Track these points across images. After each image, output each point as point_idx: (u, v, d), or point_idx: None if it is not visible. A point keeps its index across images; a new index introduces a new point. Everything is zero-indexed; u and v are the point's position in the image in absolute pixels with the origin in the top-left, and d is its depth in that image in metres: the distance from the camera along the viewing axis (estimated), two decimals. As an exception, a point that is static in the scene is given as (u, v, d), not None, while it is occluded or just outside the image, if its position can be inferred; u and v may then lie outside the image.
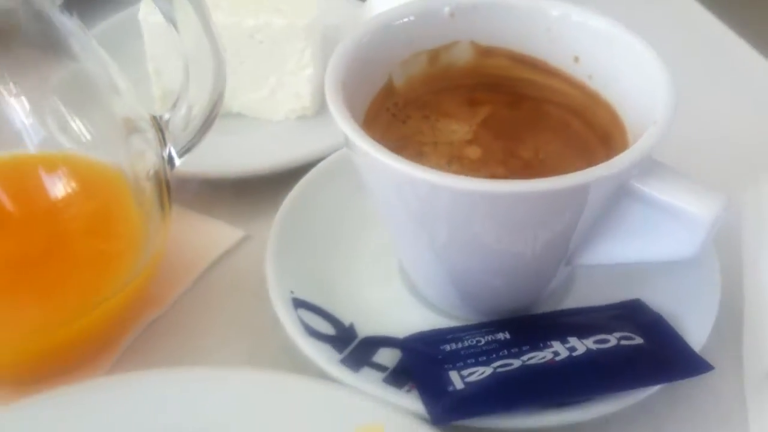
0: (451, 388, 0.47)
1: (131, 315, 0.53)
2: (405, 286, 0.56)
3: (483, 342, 0.51)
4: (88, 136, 0.50)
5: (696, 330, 0.50)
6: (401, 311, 0.54)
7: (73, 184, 0.49)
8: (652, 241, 0.46)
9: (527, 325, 0.52)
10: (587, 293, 0.55)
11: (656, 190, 0.44)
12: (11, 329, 0.47)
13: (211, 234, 0.61)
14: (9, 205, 0.48)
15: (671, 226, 0.44)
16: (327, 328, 0.52)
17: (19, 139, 0.48)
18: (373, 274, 0.57)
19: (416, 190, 0.44)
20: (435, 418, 0.45)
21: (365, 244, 0.58)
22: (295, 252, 0.56)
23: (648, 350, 0.49)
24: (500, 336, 0.51)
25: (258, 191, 0.63)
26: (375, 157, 0.43)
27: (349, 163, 0.49)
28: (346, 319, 0.53)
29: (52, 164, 0.49)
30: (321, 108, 0.70)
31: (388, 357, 0.51)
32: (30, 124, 0.48)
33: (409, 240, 0.51)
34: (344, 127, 0.45)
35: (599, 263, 0.49)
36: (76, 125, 0.50)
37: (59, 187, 0.49)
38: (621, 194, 0.45)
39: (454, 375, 0.48)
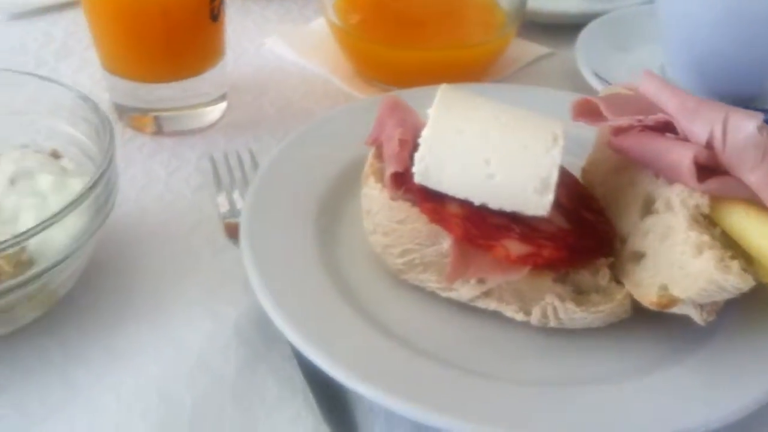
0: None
1: (491, 66, 0.82)
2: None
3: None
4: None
5: None
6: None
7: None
8: None
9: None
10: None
11: None
12: (431, 50, 0.78)
13: (531, 47, 0.90)
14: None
15: None
16: (613, 89, 0.79)
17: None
18: (639, 65, 0.83)
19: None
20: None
21: (637, 54, 0.86)
22: (592, 55, 0.83)
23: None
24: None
25: (555, 33, 0.92)
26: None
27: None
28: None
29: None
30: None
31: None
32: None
33: (679, 34, 0.78)
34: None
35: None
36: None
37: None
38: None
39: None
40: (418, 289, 0.56)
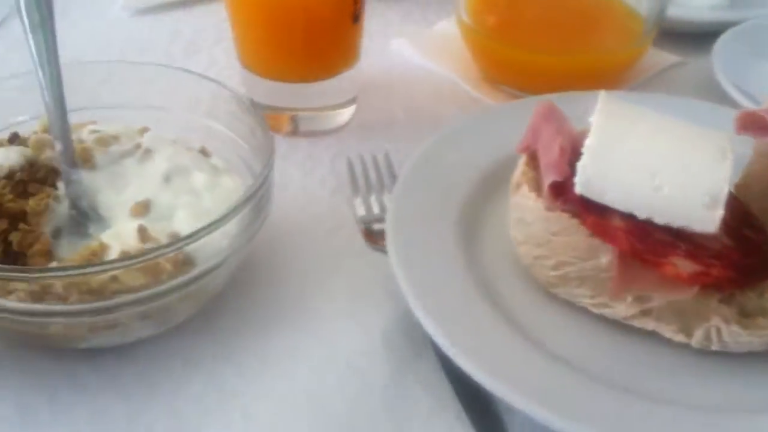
0: None
1: (625, 74, 0.79)
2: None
3: None
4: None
5: None
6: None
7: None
8: None
9: None
10: None
11: None
12: (567, 55, 0.75)
13: (662, 56, 0.86)
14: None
15: None
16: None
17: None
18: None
19: None
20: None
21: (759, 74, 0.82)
22: (729, 65, 0.80)
23: None
24: None
25: (686, 41, 0.88)
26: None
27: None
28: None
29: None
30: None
31: None
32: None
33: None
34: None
35: None
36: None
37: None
38: None
39: None
40: (568, 303, 0.54)
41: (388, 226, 0.56)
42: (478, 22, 0.77)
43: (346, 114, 0.74)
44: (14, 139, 0.56)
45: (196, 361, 0.51)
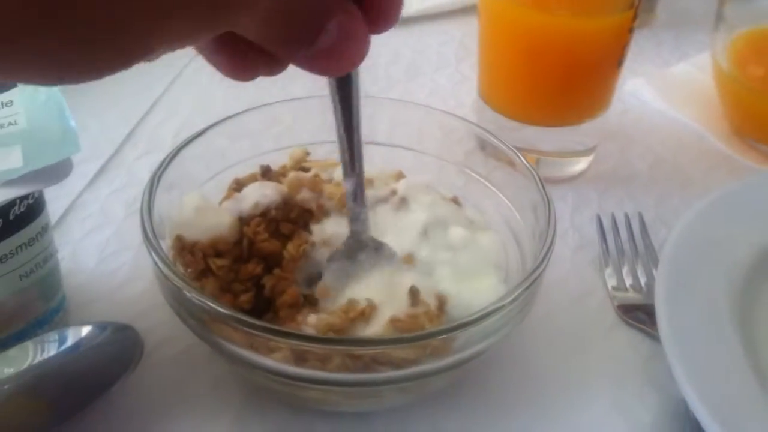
0: None
1: None
2: None
3: None
4: None
5: None
6: None
7: None
8: None
9: None
10: None
11: None
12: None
13: None
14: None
15: None
16: None
17: None
18: None
19: None
20: None
21: None
22: None
23: None
24: None
25: None
26: None
27: None
28: None
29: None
30: None
31: None
32: None
33: None
34: None
35: None
36: None
37: None
38: None
39: None
40: None
41: (659, 313, 0.49)
42: (741, 72, 0.70)
43: (584, 162, 0.68)
44: (267, 173, 0.53)
45: (443, 435, 0.47)
